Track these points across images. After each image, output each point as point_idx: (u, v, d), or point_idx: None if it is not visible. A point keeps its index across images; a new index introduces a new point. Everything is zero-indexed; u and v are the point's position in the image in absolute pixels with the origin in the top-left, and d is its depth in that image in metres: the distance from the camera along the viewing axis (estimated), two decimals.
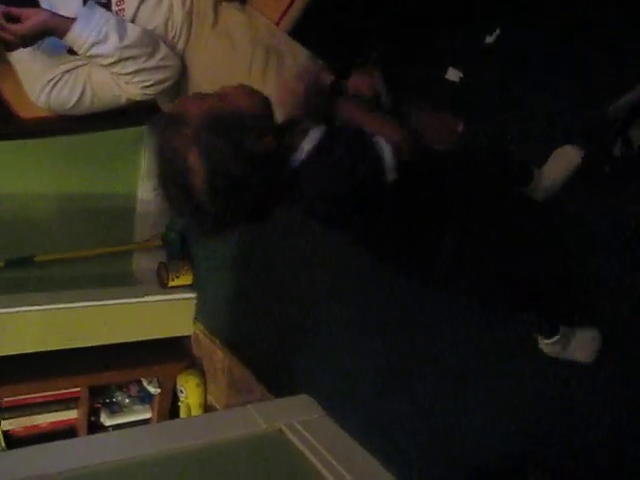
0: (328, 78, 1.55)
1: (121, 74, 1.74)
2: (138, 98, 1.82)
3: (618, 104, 1.50)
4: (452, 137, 1.94)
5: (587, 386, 1.68)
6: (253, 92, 1.15)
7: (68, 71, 1.74)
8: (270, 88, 1.78)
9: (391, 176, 1.17)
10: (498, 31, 1.85)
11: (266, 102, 1.16)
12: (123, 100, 1.84)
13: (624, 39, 1.58)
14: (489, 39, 1.87)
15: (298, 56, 1.82)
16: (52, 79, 1.73)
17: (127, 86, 1.78)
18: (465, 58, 1.95)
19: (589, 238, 1.65)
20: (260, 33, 1.82)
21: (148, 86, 1.78)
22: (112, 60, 1.69)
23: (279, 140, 1.12)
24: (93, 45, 1.65)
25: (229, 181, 1.06)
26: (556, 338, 1.64)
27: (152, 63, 1.74)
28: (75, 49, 1.68)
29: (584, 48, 1.66)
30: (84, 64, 1.75)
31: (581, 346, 1.65)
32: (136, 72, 1.74)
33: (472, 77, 1.93)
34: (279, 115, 1.20)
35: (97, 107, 1.83)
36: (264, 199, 1.13)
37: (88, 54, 1.67)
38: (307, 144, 1.15)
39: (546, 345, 1.68)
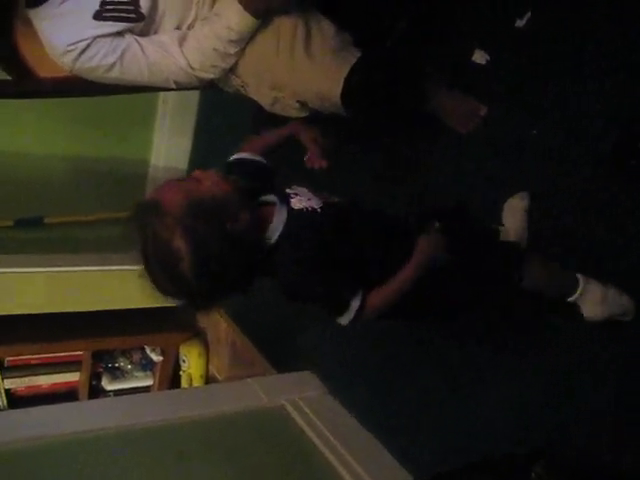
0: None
1: (225, 53, 1.78)
2: (208, 77, 1.86)
3: None
4: (475, 122, 1.91)
5: (596, 381, 1.67)
6: (224, 178, 1.22)
7: (99, 37, 1.68)
8: (297, 61, 1.76)
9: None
10: (529, 15, 1.80)
11: (236, 183, 1.23)
12: (172, 84, 1.85)
13: None
14: (520, 22, 1.82)
15: (326, 31, 1.78)
16: (79, 42, 1.66)
17: (211, 68, 1.82)
18: (494, 41, 1.90)
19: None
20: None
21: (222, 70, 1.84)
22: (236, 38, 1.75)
23: (252, 215, 1.20)
24: None
25: (214, 261, 1.13)
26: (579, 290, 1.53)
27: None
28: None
29: (621, 36, 1.62)
30: (117, 32, 1.70)
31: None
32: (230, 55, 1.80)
33: (500, 61, 1.88)
34: None
35: (138, 82, 1.82)
36: (245, 274, 1.21)
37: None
38: (276, 228, 1.24)
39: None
